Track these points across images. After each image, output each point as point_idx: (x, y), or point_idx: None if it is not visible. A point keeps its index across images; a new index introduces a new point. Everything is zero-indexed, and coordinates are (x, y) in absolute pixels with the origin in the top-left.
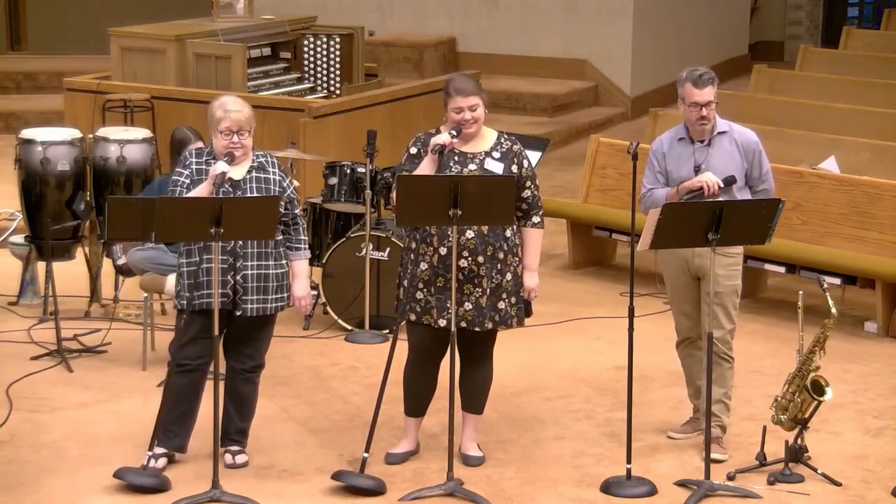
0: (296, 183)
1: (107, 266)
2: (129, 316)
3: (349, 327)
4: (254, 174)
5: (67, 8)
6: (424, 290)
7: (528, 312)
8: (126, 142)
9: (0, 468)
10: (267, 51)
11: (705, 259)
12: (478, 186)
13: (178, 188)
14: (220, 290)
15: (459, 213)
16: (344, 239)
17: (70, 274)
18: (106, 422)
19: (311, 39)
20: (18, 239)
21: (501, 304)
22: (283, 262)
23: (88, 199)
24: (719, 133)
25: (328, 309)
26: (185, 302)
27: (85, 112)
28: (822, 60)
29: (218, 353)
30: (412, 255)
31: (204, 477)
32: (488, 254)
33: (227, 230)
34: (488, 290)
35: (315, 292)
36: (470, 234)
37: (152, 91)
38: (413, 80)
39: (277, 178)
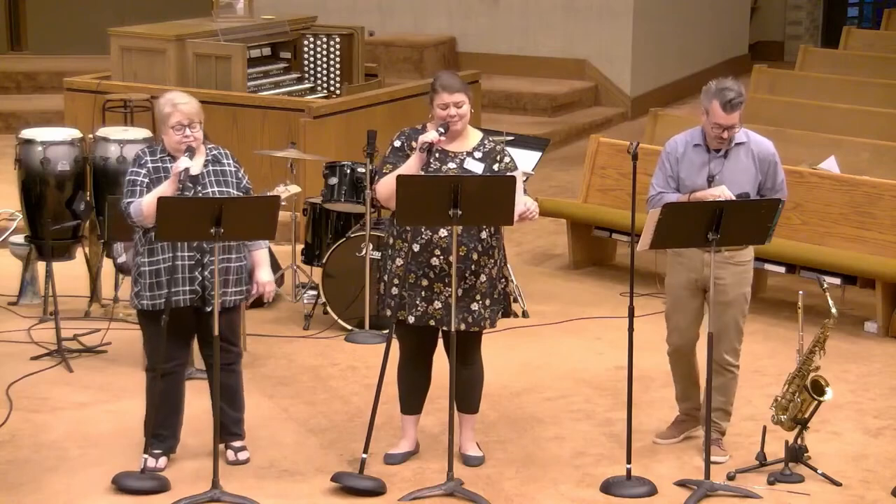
0: (297, 188)
1: (107, 266)
2: (129, 316)
3: (349, 327)
4: (210, 167)
5: (67, 8)
6: (399, 285)
7: (507, 313)
8: (126, 142)
9: (0, 468)
10: (267, 51)
11: (717, 269)
12: (479, 187)
13: (138, 188)
14: (188, 287)
15: (460, 213)
16: (344, 239)
17: (70, 274)
18: (106, 422)
19: (311, 39)
20: (18, 239)
21: (475, 306)
22: (243, 254)
23: (88, 199)
24: (737, 144)
25: (328, 309)
26: (146, 302)
27: (85, 112)
28: (822, 60)
29: (218, 353)
30: (389, 251)
31: (204, 477)
32: (461, 254)
33: (227, 230)
34: (460, 290)
35: (315, 292)
36: (443, 232)
37: (152, 91)
38: (413, 80)
39: (233, 169)
